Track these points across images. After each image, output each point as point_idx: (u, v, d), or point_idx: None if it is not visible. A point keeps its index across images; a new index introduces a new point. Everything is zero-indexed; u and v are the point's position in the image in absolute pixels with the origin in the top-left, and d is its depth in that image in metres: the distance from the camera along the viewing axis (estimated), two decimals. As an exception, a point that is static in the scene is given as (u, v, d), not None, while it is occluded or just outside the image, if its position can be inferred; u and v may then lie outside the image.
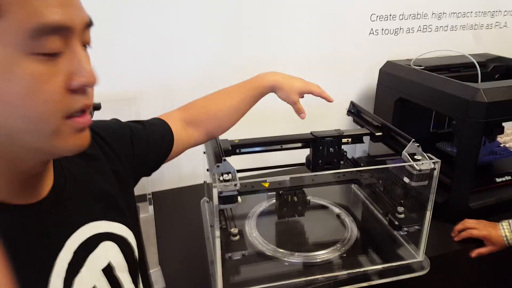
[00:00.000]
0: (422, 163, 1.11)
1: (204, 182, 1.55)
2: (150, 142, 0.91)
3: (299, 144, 1.37)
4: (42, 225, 0.57)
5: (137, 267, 0.77)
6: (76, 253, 0.60)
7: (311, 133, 1.36)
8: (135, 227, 0.78)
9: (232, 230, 1.10)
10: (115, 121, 0.90)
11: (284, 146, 1.37)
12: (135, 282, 0.74)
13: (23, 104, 0.48)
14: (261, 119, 1.76)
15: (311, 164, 1.39)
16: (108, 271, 0.67)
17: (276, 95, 1.14)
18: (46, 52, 0.48)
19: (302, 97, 1.16)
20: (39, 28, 0.46)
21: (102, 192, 0.72)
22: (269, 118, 1.77)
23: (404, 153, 1.17)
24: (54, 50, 0.48)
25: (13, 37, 0.45)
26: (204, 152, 1.31)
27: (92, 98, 0.55)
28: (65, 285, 0.57)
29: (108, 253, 0.68)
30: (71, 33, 0.50)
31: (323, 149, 1.35)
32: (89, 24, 0.54)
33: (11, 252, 0.41)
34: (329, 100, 1.16)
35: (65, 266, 0.58)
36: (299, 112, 1.16)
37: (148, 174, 0.96)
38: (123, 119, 0.94)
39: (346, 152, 1.39)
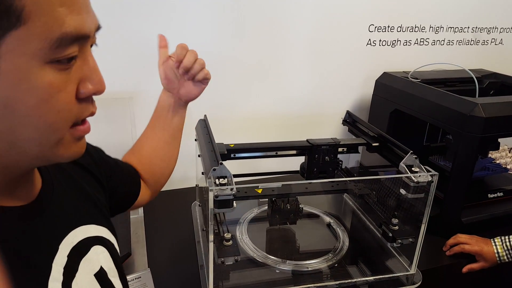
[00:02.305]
0: (420, 175, 1.11)
1: (196, 185, 1.53)
2: (124, 173, 0.91)
3: (294, 152, 1.36)
4: (35, 228, 0.55)
5: (124, 274, 0.75)
6: (70, 257, 0.58)
7: (307, 140, 1.35)
8: (115, 234, 0.77)
9: (225, 235, 1.08)
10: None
11: (280, 152, 1.35)
12: None
13: (35, 114, 0.45)
14: (256, 125, 1.75)
15: (306, 172, 1.38)
16: (101, 276, 0.65)
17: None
18: (64, 60, 0.46)
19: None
20: (62, 38, 0.44)
21: (88, 195, 0.71)
22: (264, 124, 1.77)
23: (402, 164, 1.16)
24: (72, 58, 0.47)
25: (33, 46, 0.42)
26: (199, 155, 1.29)
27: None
28: None
29: (99, 257, 0.66)
30: (87, 41, 0.49)
31: (319, 157, 1.34)
32: (98, 28, 0.52)
33: (6, 256, 0.39)
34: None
35: (61, 270, 0.56)
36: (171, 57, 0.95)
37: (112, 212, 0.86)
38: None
39: (341, 161, 1.38)
